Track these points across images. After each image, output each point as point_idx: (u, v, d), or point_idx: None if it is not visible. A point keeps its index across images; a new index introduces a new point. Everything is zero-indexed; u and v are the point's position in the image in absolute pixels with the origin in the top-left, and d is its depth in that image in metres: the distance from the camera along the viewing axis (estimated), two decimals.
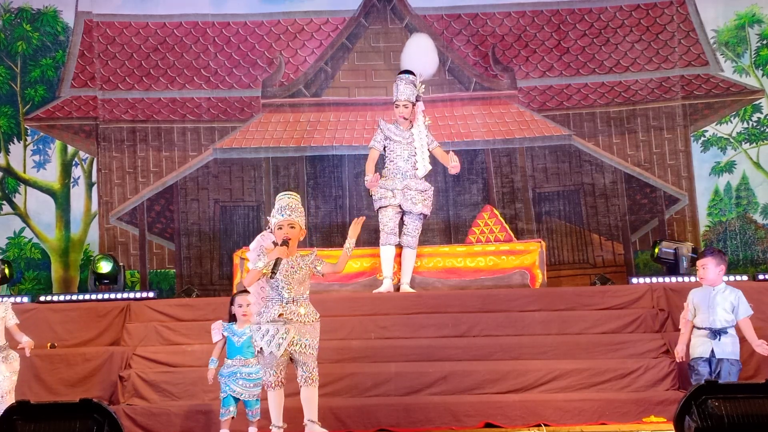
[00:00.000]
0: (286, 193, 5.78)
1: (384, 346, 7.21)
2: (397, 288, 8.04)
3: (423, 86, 8.26)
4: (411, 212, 8.05)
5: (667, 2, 10.49)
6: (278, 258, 5.49)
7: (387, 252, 8.03)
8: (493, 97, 10.52)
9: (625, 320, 7.46)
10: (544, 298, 7.80)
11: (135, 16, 10.56)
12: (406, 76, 8.17)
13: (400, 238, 8.07)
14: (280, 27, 10.67)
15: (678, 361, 6.44)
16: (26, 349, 6.26)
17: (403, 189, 8.01)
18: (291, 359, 5.61)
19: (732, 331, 6.19)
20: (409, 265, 8.08)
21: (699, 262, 6.38)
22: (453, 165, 8.04)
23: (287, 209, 5.62)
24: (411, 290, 8.00)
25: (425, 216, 8.17)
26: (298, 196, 5.80)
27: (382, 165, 8.23)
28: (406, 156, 8.08)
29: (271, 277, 5.51)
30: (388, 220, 8.02)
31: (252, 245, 5.70)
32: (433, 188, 8.24)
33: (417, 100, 8.11)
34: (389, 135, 8.11)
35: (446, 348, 7.11)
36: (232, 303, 6.23)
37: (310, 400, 5.57)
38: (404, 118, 8.08)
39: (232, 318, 6.19)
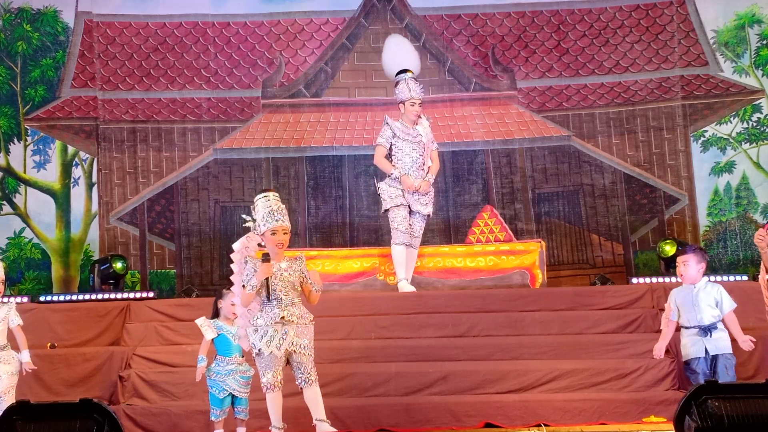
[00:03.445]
0: (269, 193, 5.65)
1: (384, 346, 7.21)
2: (418, 285, 8.03)
3: (420, 85, 8.22)
4: (419, 213, 8.01)
5: (666, 2, 10.49)
6: (266, 278, 5.46)
7: (402, 253, 7.94)
8: (492, 98, 10.53)
9: (625, 320, 7.46)
10: (544, 298, 7.80)
11: (135, 16, 10.56)
12: (410, 74, 8.11)
13: None
14: (280, 27, 10.68)
15: (655, 358, 6.43)
16: (26, 368, 6.23)
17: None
18: (287, 361, 5.61)
19: (721, 326, 6.18)
20: (411, 265, 8.06)
21: (680, 259, 6.36)
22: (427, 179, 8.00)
23: (279, 213, 5.55)
24: (412, 288, 7.97)
25: (429, 216, 8.16)
26: (275, 195, 5.73)
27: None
28: (415, 156, 8.01)
29: (269, 300, 5.48)
30: (402, 220, 7.92)
31: (236, 246, 5.64)
32: (433, 189, 8.22)
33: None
34: (397, 132, 8.02)
35: (446, 348, 7.11)
36: (220, 297, 6.16)
37: (314, 399, 5.57)
38: (418, 116, 8.04)
39: (216, 314, 6.13)
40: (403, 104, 8.05)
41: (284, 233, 5.54)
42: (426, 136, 8.06)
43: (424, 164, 8.05)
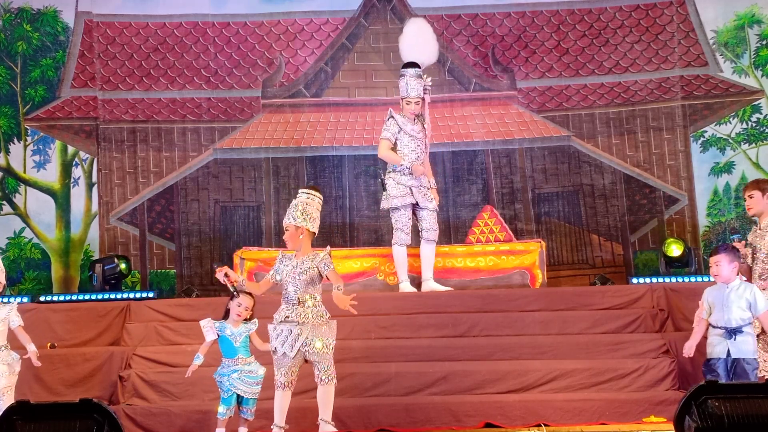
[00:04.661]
0: (302, 190, 5.88)
1: (384, 346, 7.21)
2: (419, 285, 8.00)
3: (429, 78, 8.13)
4: (426, 208, 7.99)
5: (666, 2, 10.50)
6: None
7: (403, 254, 7.90)
8: (492, 98, 10.53)
9: (625, 320, 7.46)
10: (544, 298, 7.80)
11: (135, 16, 10.56)
12: (414, 70, 8.05)
13: (420, 234, 8.00)
14: (280, 27, 10.68)
15: (685, 356, 6.30)
16: (33, 359, 6.24)
17: (418, 186, 7.95)
18: (306, 360, 5.62)
19: (748, 329, 6.06)
20: (431, 260, 7.96)
21: (712, 259, 6.22)
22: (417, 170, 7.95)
23: (288, 211, 5.76)
24: (439, 287, 7.91)
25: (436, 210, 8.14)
26: (308, 192, 5.80)
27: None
28: (419, 152, 8.00)
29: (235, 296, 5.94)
30: (406, 221, 7.89)
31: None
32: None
33: (425, 93, 8.04)
34: (402, 127, 7.96)
35: (446, 348, 7.12)
36: (232, 298, 6.15)
37: (323, 399, 5.59)
38: (415, 115, 8.03)
39: (226, 314, 6.13)
40: (403, 100, 8.06)
41: (285, 229, 5.74)
42: (422, 132, 8.06)
43: (424, 162, 8.06)
